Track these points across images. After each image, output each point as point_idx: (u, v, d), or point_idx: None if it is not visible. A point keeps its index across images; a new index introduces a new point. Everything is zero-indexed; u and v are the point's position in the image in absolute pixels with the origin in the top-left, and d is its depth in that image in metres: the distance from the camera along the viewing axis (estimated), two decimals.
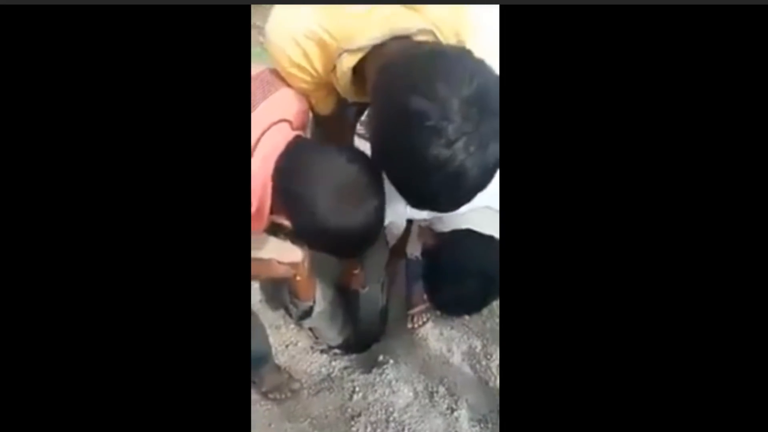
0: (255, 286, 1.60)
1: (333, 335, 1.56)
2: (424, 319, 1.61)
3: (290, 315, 1.57)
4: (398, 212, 1.08)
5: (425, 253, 1.18)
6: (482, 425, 1.44)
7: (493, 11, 0.81)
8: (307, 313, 1.49)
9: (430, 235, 1.13)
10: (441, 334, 1.59)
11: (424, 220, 1.15)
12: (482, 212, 0.96)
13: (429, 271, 1.14)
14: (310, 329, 1.57)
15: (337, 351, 1.56)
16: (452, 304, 1.11)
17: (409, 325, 1.61)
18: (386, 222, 1.16)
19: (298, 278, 1.33)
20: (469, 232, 1.02)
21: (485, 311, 1.65)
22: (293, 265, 1.11)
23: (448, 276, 1.05)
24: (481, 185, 0.73)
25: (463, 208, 0.96)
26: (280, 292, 1.54)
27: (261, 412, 1.43)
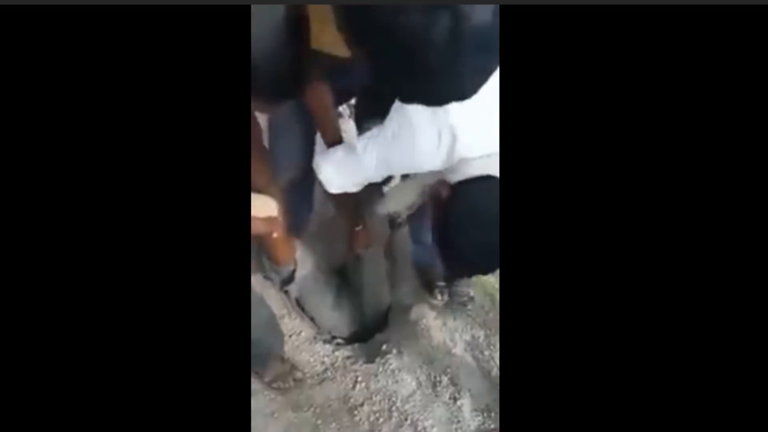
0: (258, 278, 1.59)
1: (328, 308, 1.50)
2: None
3: (272, 281, 1.53)
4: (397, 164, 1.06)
5: (438, 205, 1.05)
6: (485, 415, 1.45)
7: None
8: (290, 278, 1.43)
9: (444, 186, 1.02)
10: (444, 324, 1.59)
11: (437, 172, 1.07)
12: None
13: (443, 223, 1.03)
14: (312, 319, 1.56)
15: (340, 341, 1.56)
16: (470, 254, 1.01)
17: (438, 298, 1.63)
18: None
19: (274, 235, 1.25)
20: (488, 177, 0.95)
21: (487, 303, 1.66)
22: (269, 220, 1.05)
23: (465, 223, 0.97)
24: None
25: (479, 153, 0.96)
26: (259, 256, 1.51)
27: (264, 401, 1.44)
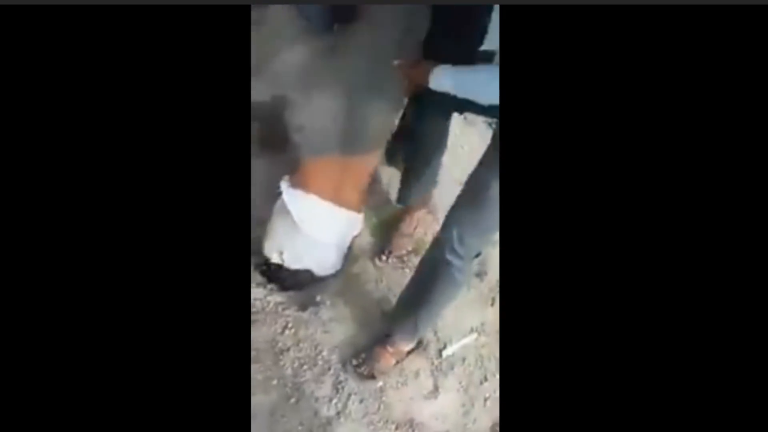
0: None
1: None
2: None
3: None
4: None
5: None
6: None
7: None
8: None
9: None
10: (380, 281, 1.60)
11: None
12: None
13: None
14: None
15: (273, 286, 1.52)
16: None
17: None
18: None
19: None
20: None
21: None
22: None
23: None
24: None
25: None
26: None
27: None
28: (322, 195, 1.38)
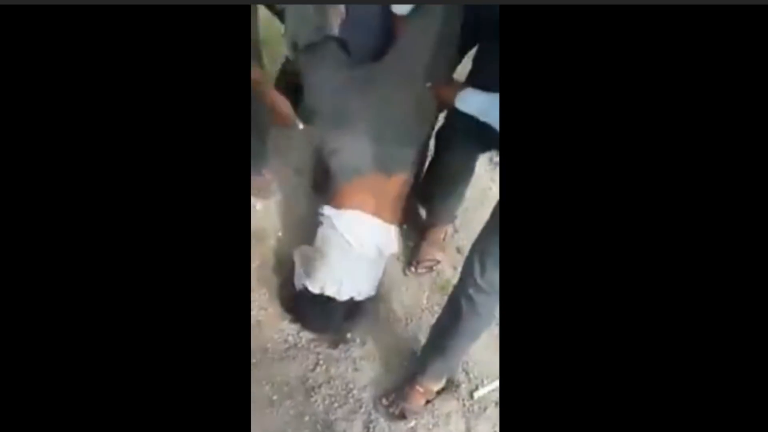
0: None
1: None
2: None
3: None
4: None
5: None
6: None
7: None
8: None
9: None
10: (410, 321, 1.61)
11: None
12: None
13: None
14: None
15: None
16: None
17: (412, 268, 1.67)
18: None
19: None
20: None
21: None
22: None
23: None
24: None
25: None
26: None
27: None
28: (363, 208, 1.45)
